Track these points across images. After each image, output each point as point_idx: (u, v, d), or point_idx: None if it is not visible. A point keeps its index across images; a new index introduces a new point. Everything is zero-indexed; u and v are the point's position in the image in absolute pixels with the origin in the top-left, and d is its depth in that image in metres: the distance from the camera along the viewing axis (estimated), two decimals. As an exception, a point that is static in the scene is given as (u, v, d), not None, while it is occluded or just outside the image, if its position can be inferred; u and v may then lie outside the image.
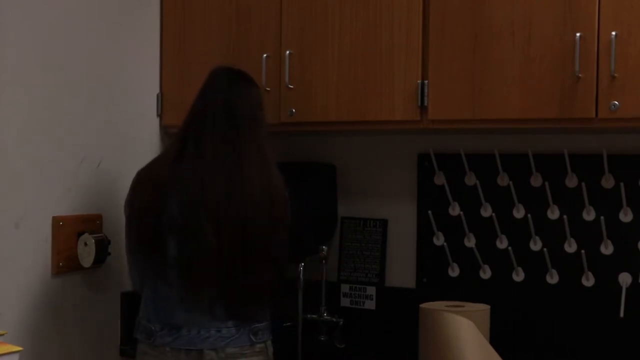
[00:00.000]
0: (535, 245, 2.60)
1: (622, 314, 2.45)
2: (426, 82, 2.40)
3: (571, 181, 2.55)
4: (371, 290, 2.85)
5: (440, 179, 2.74)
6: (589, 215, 2.52)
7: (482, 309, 2.44)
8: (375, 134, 2.81)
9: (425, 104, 2.40)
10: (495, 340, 2.37)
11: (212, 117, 2.24)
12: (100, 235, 2.57)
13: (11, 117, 2.36)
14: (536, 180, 2.60)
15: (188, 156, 2.22)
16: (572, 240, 2.54)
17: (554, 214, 2.57)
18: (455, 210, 2.72)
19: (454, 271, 2.73)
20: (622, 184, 2.45)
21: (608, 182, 2.50)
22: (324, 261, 2.81)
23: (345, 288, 2.91)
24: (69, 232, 2.52)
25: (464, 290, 2.65)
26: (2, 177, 2.34)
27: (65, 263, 2.52)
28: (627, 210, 2.47)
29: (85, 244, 2.53)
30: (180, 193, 2.19)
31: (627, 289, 2.46)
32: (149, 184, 2.27)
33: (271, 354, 2.26)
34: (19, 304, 2.39)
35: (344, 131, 2.68)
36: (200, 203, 2.16)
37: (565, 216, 2.53)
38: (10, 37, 2.35)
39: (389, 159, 2.87)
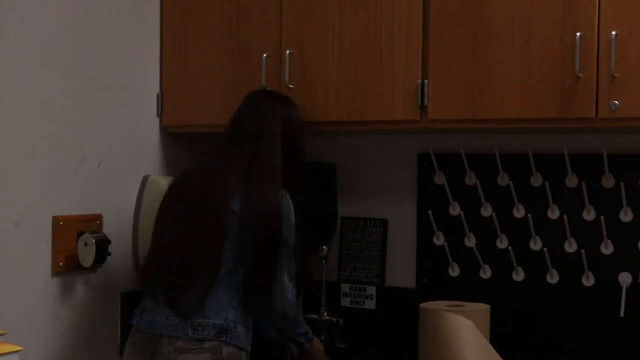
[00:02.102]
0: (536, 245, 2.60)
1: (622, 314, 2.45)
2: (426, 82, 2.40)
3: (571, 181, 2.55)
4: (371, 290, 2.85)
5: (440, 179, 2.74)
6: (589, 215, 2.52)
7: (482, 309, 2.44)
8: (375, 133, 2.81)
9: (425, 103, 2.40)
10: (495, 340, 2.37)
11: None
12: (100, 235, 2.57)
13: (11, 117, 2.36)
14: (536, 180, 2.60)
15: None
16: (572, 240, 2.54)
17: (554, 213, 2.57)
18: (455, 210, 2.72)
19: (454, 271, 2.73)
20: (622, 184, 2.45)
21: (608, 181, 2.50)
22: (324, 261, 2.82)
23: (345, 288, 2.91)
24: (69, 232, 2.52)
25: (464, 290, 2.65)
26: (2, 177, 2.34)
27: (65, 263, 2.52)
28: (627, 210, 2.47)
29: (86, 244, 2.53)
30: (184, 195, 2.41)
31: (627, 288, 2.46)
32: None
33: (227, 355, 2.26)
34: (19, 304, 2.39)
35: (344, 131, 2.68)
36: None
37: (565, 216, 2.53)
38: (10, 38, 2.35)
39: (389, 158, 2.87)
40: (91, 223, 2.60)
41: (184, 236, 2.32)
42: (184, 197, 2.39)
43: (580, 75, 2.17)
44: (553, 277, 2.58)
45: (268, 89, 2.57)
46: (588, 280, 2.53)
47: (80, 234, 2.54)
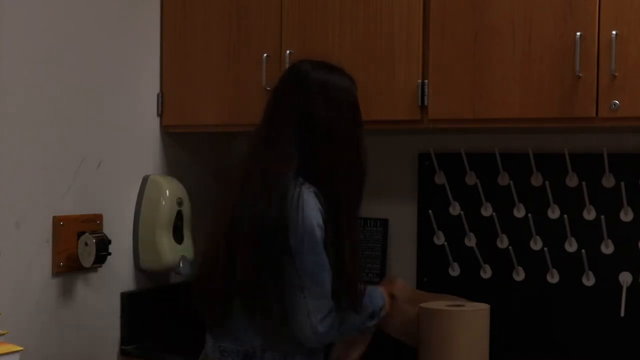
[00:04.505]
0: (536, 244, 2.60)
1: (622, 314, 2.45)
2: (426, 81, 2.40)
3: (572, 180, 2.55)
4: (372, 290, 2.85)
5: (440, 179, 2.74)
6: (589, 214, 2.52)
7: (482, 309, 2.44)
8: (375, 133, 2.80)
9: (426, 103, 2.40)
10: (496, 340, 2.36)
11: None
12: (100, 235, 2.57)
13: (11, 117, 2.36)
14: (537, 180, 2.60)
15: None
16: (573, 239, 2.54)
17: (554, 213, 2.57)
18: (455, 209, 2.72)
19: (455, 271, 2.73)
20: (622, 184, 2.45)
21: (608, 181, 2.50)
22: (324, 261, 2.81)
23: (345, 288, 2.91)
24: (69, 232, 2.52)
25: (465, 290, 2.65)
26: (2, 177, 2.34)
27: (65, 263, 2.52)
28: (627, 209, 2.47)
29: (86, 244, 2.53)
30: None
31: (627, 288, 2.46)
32: None
33: None
34: (19, 304, 2.39)
35: (344, 131, 2.67)
36: None
37: (565, 215, 2.53)
38: (10, 37, 2.35)
39: (389, 158, 2.87)
40: (91, 223, 2.60)
41: (210, 250, 2.08)
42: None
43: (580, 74, 2.17)
44: (553, 277, 2.58)
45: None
46: (588, 280, 2.52)
47: (80, 234, 2.54)
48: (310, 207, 1.94)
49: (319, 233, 1.94)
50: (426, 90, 2.40)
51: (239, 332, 2.02)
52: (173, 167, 2.93)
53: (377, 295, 2.20)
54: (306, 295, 1.93)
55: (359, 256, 2.08)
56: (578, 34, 2.16)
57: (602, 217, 2.46)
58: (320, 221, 1.95)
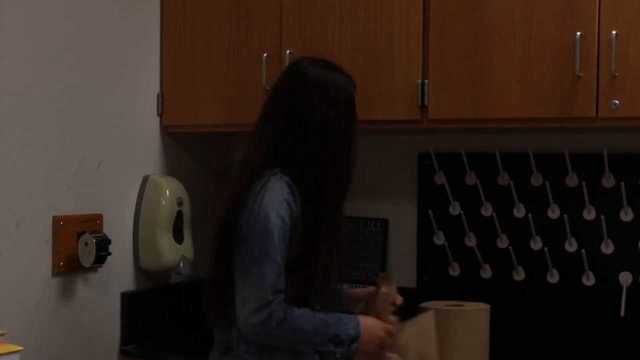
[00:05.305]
0: (536, 244, 2.60)
1: (622, 313, 2.45)
2: (426, 81, 2.40)
3: (572, 180, 2.55)
4: (372, 290, 2.85)
5: (440, 179, 2.74)
6: (589, 214, 2.52)
7: (482, 309, 2.44)
8: (375, 133, 2.81)
9: (426, 103, 2.40)
10: (495, 339, 2.37)
11: None
12: (100, 235, 2.57)
13: (11, 117, 2.36)
14: (537, 180, 2.60)
15: None
16: (573, 239, 2.54)
17: (554, 213, 2.57)
18: (455, 209, 2.72)
19: (455, 270, 2.73)
20: (622, 183, 2.45)
21: (608, 181, 2.50)
22: (324, 261, 2.80)
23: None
24: (69, 232, 2.52)
25: (465, 290, 2.65)
26: (2, 177, 2.34)
27: (65, 263, 2.52)
28: (627, 209, 2.47)
29: (86, 244, 2.53)
30: None
31: (627, 288, 2.46)
32: None
33: None
34: (19, 304, 2.39)
35: (344, 131, 2.67)
36: None
37: (565, 215, 2.53)
38: (10, 37, 2.35)
39: (389, 158, 2.87)
40: (91, 223, 2.60)
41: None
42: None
43: (580, 74, 2.17)
44: (553, 277, 2.58)
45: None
46: (588, 280, 2.52)
47: (80, 234, 2.54)
48: (272, 196, 1.89)
49: (275, 222, 1.88)
50: (426, 90, 2.40)
51: (223, 324, 1.98)
52: (173, 167, 2.93)
53: (350, 322, 1.95)
54: (245, 281, 1.87)
55: (343, 257, 2.02)
56: (578, 33, 2.16)
57: (602, 217, 2.46)
58: (282, 211, 1.89)
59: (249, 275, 1.87)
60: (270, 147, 1.98)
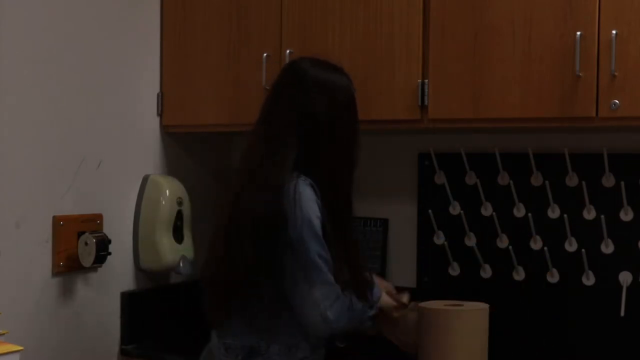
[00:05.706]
0: (536, 244, 2.60)
1: (622, 313, 2.45)
2: (426, 81, 2.40)
3: (572, 180, 2.55)
4: (372, 290, 2.85)
5: (440, 178, 2.74)
6: (589, 214, 2.52)
7: (482, 308, 2.44)
8: (375, 133, 2.81)
9: (426, 103, 2.40)
10: (495, 339, 2.36)
11: None
12: (100, 234, 2.57)
13: (11, 117, 2.36)
14: (536, 179, 2.60)
15: None
16: (573, 239, 2.54)
17: (554, 213, 2.57)
18: (455, 209, 2.72)
19: (455, 270, 2.73)
20: (622, 183, 2.45)
21: (608, 181, 2.50)
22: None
23: (345, 287, 2.91)
24: (69, 231, 2.52)
25: (465, 290, 2.65)
26: (2, 177, 2.34)
27: (65, 263, 2.52)
28: (627, 209, 2.47)
29: (86, 244, 2.53)
30: None
31: (627, 287, 2.46)
32: None
33: None
34: (19, 304, 2.39)
35: (344, 131, 2.67)
36: None
37: (565, 215, 2.53)
38: (10, 37, 2.35)
39: (389, 158, 2.87)
40: (91, 223, 2.60)
41: (211, 249, 2.12)
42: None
43: (580, 74, 2.17)
44: (553, 277, 2.58)
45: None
46: (588, 280, 2.52)
47: (80, 234, 2.54)
48: (307, 199, 1.96)
49: (317, 223, 1.96)
50: (426, 90, 2.40)
51: (241, 328, 2.03)
52: (173, 167, 2.93)
53: (376, 285, 2.22)
54: (311, 285, 1.94)
55: (359, 248, 2.14)
56: (578, 33, 2.16)
57: (602, 216, 2.46)
58: (318, 212, 1.97)
59: (313, 278, 1.95)
60: (285, 153, 2.01)
